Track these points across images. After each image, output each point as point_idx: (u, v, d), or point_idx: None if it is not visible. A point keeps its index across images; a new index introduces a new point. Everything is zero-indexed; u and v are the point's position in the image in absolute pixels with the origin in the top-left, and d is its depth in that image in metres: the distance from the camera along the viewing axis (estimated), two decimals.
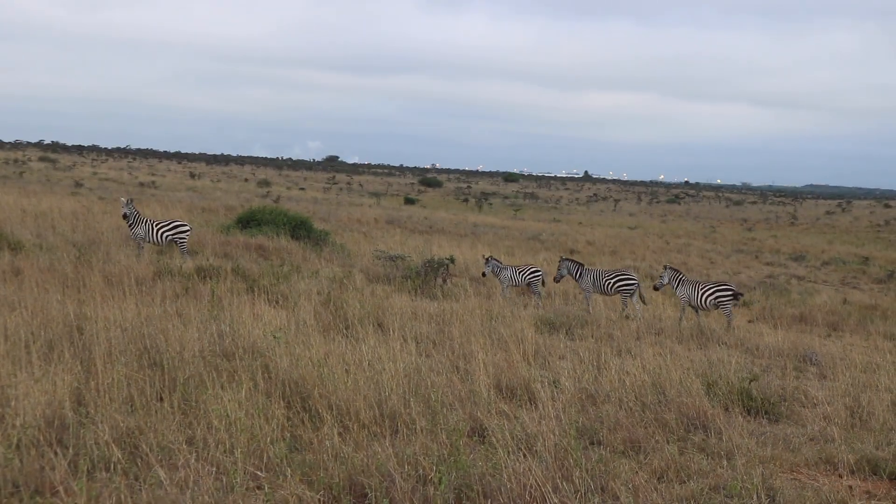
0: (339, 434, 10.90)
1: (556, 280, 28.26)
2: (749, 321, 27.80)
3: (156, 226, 28.05)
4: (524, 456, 10.42)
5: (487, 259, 28.41)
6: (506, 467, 9.83)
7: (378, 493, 9.24)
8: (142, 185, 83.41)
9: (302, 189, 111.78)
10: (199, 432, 10.30)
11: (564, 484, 9.66)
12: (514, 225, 70.74)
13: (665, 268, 26.95)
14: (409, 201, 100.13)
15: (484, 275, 28.29)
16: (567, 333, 20.49)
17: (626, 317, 24.98)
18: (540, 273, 28.17)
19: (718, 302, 25.52)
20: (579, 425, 12.03)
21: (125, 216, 27.88)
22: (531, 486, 9.51)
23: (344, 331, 16.96)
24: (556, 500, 9.28)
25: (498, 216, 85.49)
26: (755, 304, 32.81)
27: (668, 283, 26.48)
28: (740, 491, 9.98)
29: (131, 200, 28.56)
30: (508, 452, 10.38)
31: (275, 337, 14.24)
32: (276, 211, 38.52)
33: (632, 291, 27.11)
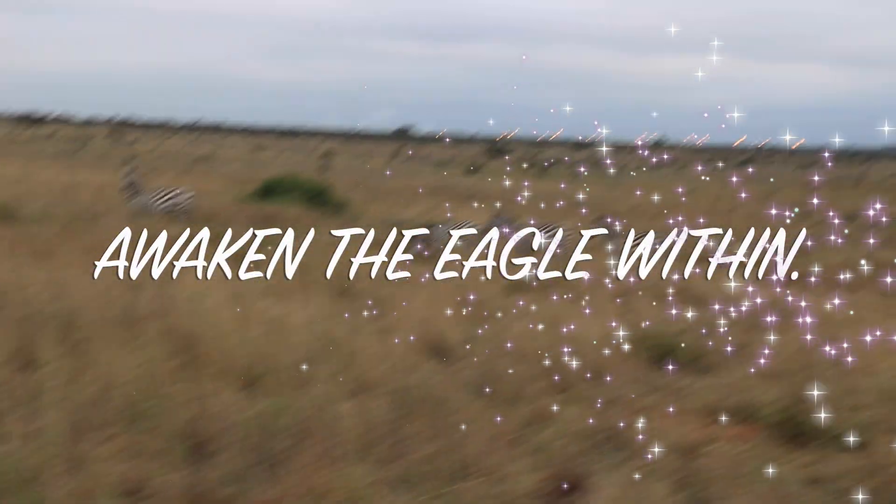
0: (224, 388, 11.06)
1: None
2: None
3: (156, 195, 28.31)
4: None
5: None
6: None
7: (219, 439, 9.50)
8: (196, 159, 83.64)
9: (363, 159, 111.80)
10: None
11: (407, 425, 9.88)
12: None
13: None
14: (472, 170, 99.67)
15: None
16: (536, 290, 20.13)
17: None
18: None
19: None
20: (469, 378, 12.14)
21: (127, 186, 28.12)
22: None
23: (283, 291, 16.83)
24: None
25: (555, 181, 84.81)
26: None
27: None
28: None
29: (134, 170, 28.86)
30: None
31: (192, 298, 14.34)
32: (297, 180, 38.77)
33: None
